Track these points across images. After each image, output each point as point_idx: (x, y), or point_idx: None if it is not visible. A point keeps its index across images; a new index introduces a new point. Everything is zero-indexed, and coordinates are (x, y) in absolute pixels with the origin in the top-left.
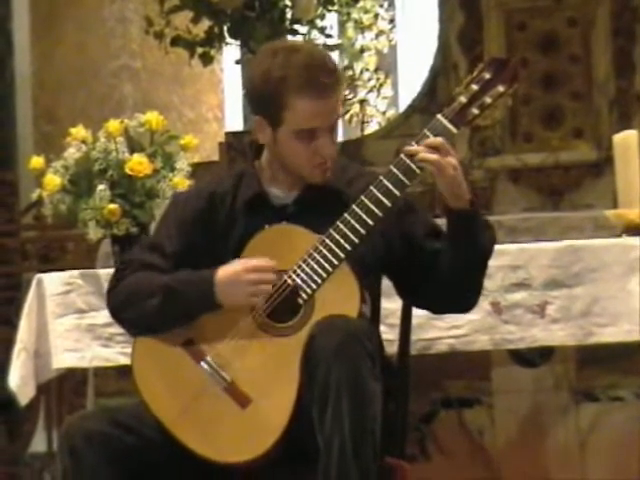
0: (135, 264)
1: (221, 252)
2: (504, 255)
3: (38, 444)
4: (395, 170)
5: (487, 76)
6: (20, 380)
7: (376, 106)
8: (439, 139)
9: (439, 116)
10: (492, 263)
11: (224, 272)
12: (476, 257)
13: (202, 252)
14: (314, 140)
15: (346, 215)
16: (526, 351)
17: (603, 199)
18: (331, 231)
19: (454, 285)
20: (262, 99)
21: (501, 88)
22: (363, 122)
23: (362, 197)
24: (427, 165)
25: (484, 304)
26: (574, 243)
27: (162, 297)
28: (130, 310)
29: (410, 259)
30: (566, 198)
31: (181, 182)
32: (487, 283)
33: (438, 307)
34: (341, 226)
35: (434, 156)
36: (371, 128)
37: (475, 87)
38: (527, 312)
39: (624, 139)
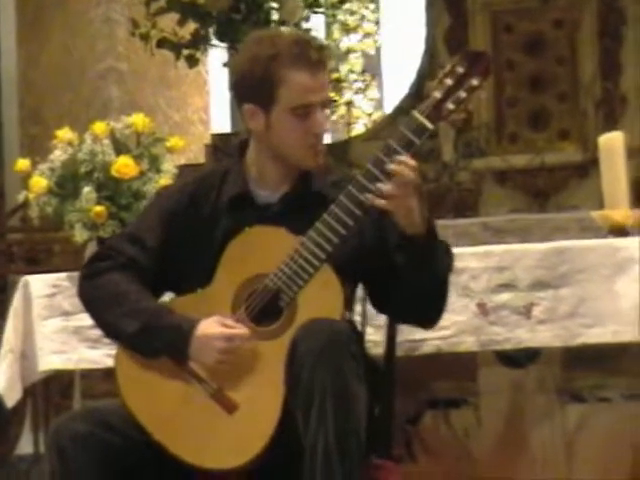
0: (118, 257)
1: (203, 249)
2: (490, 256)
3: (25, 446)
4: (372, 168)
5: (461, 70)
6: (6, 382)
7: (362, 108)
8: (405, 173)
9: (414, 112)
10: (478, 264)
11: (202, 331)
12: (430, 283)
13: (184, 247)
14: (308, 118)
15: (325, 216)
16: (512, 352)
17: (589, 200)
18: (310, 232)
19: (412, 304)
20: (253, 82)
21: (475, 82)
22: (349, 124)
23: (341, 197)
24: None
25: (470, 305)
26: (560, 244)
27: (138, 329)
28: (102, 311)
29: (379, 266)
30: (552, 199)
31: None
32: (473, 284)
33: (400, 319)
34: (320, 227)
35: (383, 202)
36: (357, 130)
37: (449, 82)
38: (513, 313)
39: (610, 140)
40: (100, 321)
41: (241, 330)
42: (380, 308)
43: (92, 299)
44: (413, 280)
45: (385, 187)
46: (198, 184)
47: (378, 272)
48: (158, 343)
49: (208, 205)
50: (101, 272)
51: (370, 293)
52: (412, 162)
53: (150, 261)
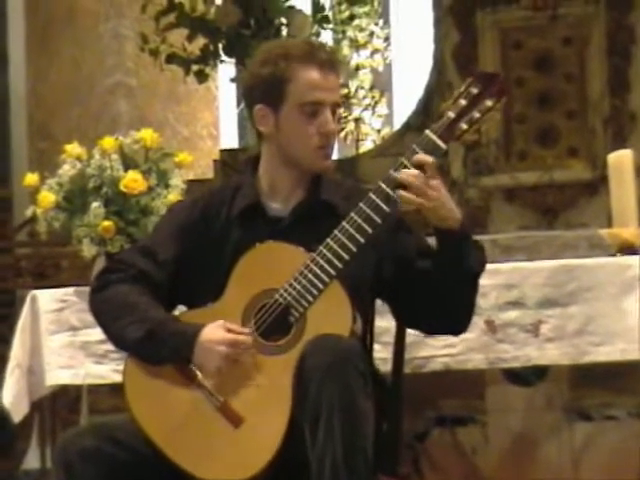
0: (129, 270)
1: (215, 263)
2: (498, 274)
3: (31, 461)
4: (384, 186)
5: (475, 91)
6: (13, 397)
7: (371, 124)
8: (414, 172)
9: (428, 132)
10: (486, 282)
11: (205, 336)
12: (463, 278)
13: (195, 262)
14: (317, 117)
15: (336, 232)
16: (520, 370)
17: (598, 218)
18: (321, 248)
19: (443, 306)
20: (263, 82)
21: (489, 102)
22: (358, 140)
23: (352, 214)
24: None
25: (478, 323)
26: (568, 262)
27: (143, 335)
28: (111, 322)
29: (401, 278)
30: (561, 217)
31: (176, 199)
32: (481, 302)
33: (429, 328)
34: (331, 243)
35: (411, 196)
36: (366, 146)
37: (463, 102)
38: (521, 331)
39: (618, 158)
40: (109, 332)
41: (245, 337)
42: (408, 321)
43: (102, 310)
44: (447, 277)
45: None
46: (210, 199)
47: (400, 285)
48: (163, 349)
49: (219, 220)
50: (111, 284)
51: (395, 308)
52: (429, 159)
53: (162, 275)
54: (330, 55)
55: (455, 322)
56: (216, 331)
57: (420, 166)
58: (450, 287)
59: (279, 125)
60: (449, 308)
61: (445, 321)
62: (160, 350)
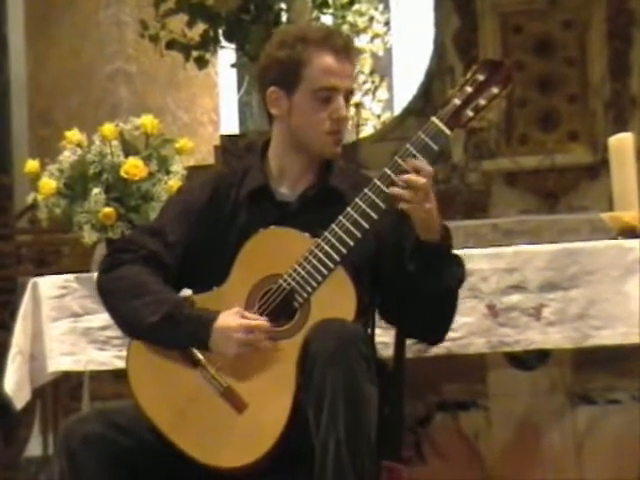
0: (139, 250)
1: (222, 244)
2: (500, 258)
3: (34, 448)
4: (390, 172)
5: (481, 78)
6: (15, 384)
7: (371, 109)
8: (418, 179)
9: (434, 118)
10: (487, 266)
11: (223, 322)
12: (437, 293)
13: (203, 244)
14: (330, 103)
15: (341, 218)
16: (522, 354)
17: (599, 201)
18: (326, 234)
19: (419, 315)
20: (279, 63)
21: (495, 90)
22: (358, 125)
23: (357, 200)
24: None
25: (480, 307)
26: (570, 246)
27: (160, 318)
28: (121, 302)
29: (393, 271)
30: (562, 201)
31: (176, 185)
32: (483, 286)
33: (406, 332)
34: (336, 229)
35: (401, 205)
36: (366, 131)
37: (469, 89)
38: (523, 315)
39: (619, 141)
40: (118, 313)
41: (261, 322)
42: (388, 318)
43: (111, 290)
44: (421, 288)
45: (399, 191)
46: (219, 182)
47: (391, 280)
48: (179, 333)
49: (228, 202)
50: (122, 264)
51: (381, 302)
52: (428, 168)
53: (171, 256)
54: (347, 42)
55: (428, 333)
56: (232, 317)
57: (417, 171)
58: (424, 299)
59: (292, 108)
60: (426, 317)
61: (421, 329)
62: (176, 334)
